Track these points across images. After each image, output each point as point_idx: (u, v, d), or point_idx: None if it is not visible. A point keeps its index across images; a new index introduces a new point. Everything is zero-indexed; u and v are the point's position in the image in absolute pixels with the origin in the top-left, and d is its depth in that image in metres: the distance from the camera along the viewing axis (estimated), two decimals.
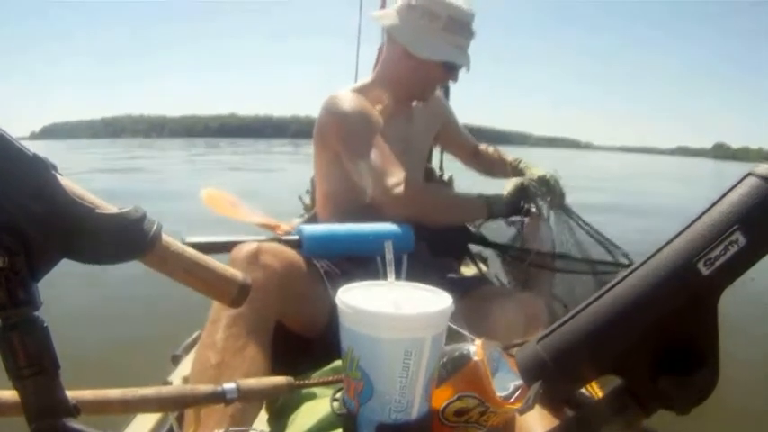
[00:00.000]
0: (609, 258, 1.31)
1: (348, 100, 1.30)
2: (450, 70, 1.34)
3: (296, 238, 1.07)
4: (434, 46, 1.28)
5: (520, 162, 1.54)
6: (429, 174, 1.91)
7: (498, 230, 1.41)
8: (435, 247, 1.43)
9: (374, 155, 1.24)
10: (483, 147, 1.73)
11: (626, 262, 1.27)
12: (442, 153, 1.99)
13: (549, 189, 1.35)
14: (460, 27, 1.29)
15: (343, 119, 1.29)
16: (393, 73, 1.36)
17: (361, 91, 1.36)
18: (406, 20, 1.30)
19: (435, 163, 2.12)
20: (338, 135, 1.29)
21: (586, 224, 1.37)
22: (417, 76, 1.34)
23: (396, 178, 1.22)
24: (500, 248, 1.40)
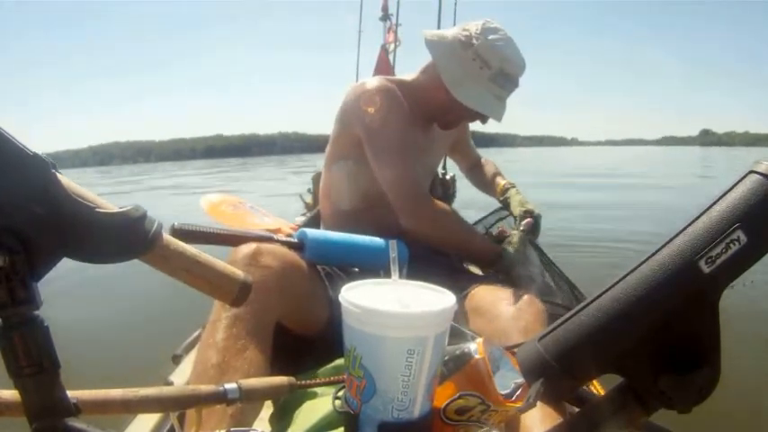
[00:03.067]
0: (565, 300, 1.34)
1: (382, 89, 1.27)
2: (481, 116, 1.32)
3: (296, 241, 1.06)
4: (475, 94, 1.25)
5: (509, 189, 1.52)
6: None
7: None
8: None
9: (402, 151, 1.25)
10: (483, 161, 1.73)
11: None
12: (445, 155, 2.00)
13: (535, 223, 1.35)
14: (507, 81, 1.26)
15: (373, 105, 1.25)
16: (425, 92, 1.33)
17: (396, 85, 1.33)
18: (457, 57, 1.25)
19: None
20: (363, 122, 1.27)
21: (553, 264, 1.40)
22: (447, 111, 1.32)
23: (419, 186, 1.24)
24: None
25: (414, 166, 1.26)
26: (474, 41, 1.23)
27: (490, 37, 1.23)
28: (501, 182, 1.59)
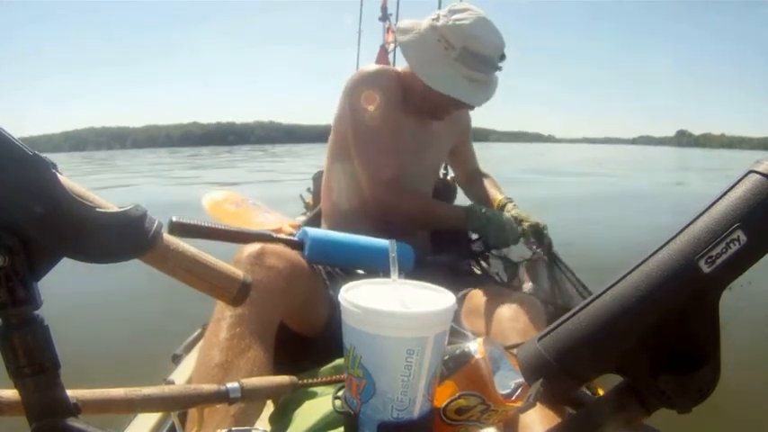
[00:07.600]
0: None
1: (370, 76, 1.26)
2: (459, 102, 1.25)
3: (297, 240, 1.06)
4: (444, 76, 1.20)
5: (507, 204, 1.44)
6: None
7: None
8: (438, 244, 1.43)
9: (385, 141, 1.25)
10: (482, 173, 1.65)
11: None
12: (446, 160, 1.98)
13: (539, 236, 1.31)
14: (477, 61, 1.20)
15: (357, 93, 1.24)
16: (410, 82, 1.30)
17: (395, 74, 1.31)
18: (424, 41, 1.22)
19: None
20: (349, 108, 1.26)
21: (572, 273, 1.35)
22: (426, 99, 1.28)
23: (390, 170, 1.24)
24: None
25: (392, 153, 1.25)
26: (438, 23, 1.21)
27: (455, 16, 1.20)
28: (498, 196, 1.51)
